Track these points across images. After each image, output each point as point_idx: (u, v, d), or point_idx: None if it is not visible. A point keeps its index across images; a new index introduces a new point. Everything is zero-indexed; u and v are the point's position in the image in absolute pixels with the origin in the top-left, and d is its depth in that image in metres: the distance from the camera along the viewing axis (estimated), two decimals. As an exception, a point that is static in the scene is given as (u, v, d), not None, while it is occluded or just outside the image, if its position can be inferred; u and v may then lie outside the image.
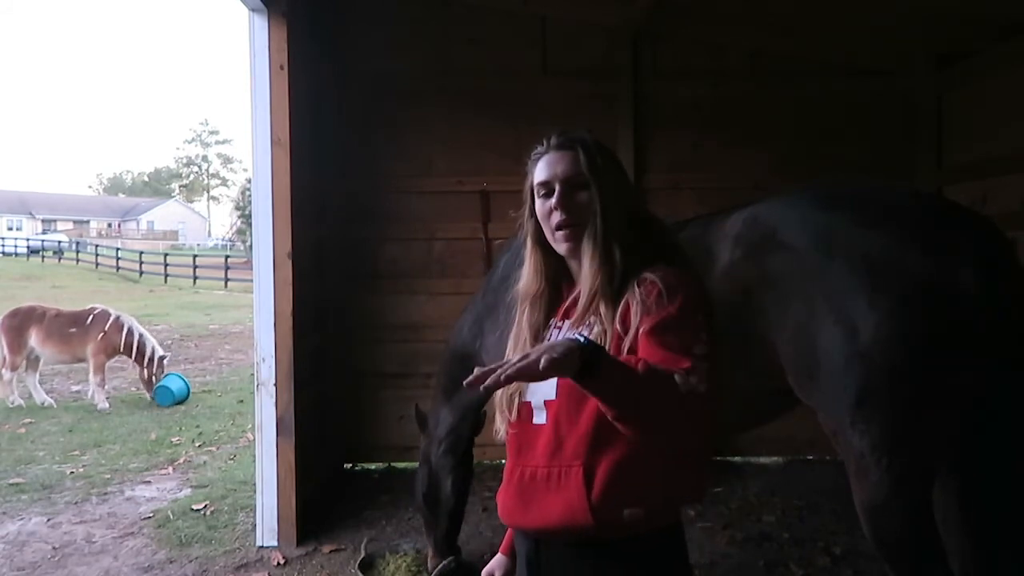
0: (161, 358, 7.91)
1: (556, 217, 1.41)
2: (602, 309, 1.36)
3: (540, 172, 1.45)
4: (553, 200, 1.42)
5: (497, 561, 1.67)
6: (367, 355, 4.96)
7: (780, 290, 2.21)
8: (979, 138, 4.40)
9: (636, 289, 1.34)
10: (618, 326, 1.34)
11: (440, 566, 3.36)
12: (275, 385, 3.74)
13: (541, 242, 1.49)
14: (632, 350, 1.31)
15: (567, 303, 1.48)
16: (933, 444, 2.07)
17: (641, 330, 1.31)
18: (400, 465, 5.11)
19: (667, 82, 4.92)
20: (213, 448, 6.00)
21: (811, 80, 4.93)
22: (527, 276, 1.52)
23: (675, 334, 1.28)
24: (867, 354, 2.02)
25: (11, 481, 5.02)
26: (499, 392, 1.49)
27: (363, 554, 3.55)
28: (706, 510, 4.18)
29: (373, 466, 5.13)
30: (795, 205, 2.30)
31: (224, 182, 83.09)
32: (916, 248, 2.03)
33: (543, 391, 1.42)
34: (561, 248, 1.44)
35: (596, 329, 1.36)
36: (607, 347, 1.32)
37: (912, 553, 2.06)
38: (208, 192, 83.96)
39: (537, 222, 1.48)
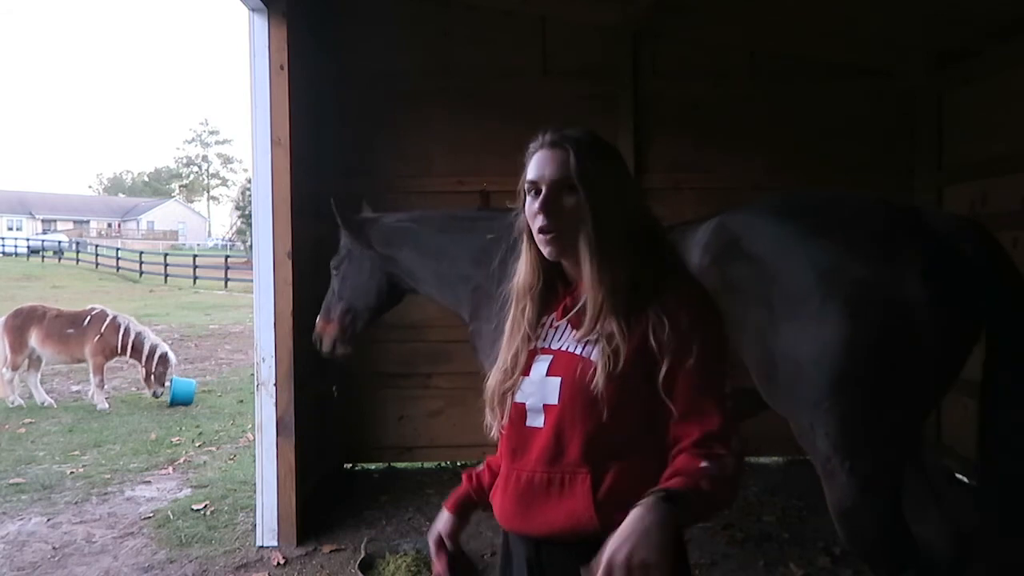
0: (164, 355, 7.87)
1: (539, 220, 1.38)
2: (612, 323, 1.33)
3: (531, 169, 1.40)
4: (538, 203, 1.38)
5: (446, 520, 1.58)
6: (367, 355, 4.94)
7: (742, 296, 2.28)
8: (979, 138, 4.40)
9: (659, 312, 1.31)
10: (652, 344, 1.31)
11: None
12: (275, 385, 3.74)
13: (533, 238, 1.45)
14: (658, 381, 1.31)
15: (563, 302, 1.46)
16: (895, 444, 2.13)
17: (679, 375, 1.30)
18: (400, 465, 5.11)
19: (667, 82, 4.91)
20: (213, 448, 6.00)
21: (811, 80, 4.93)
22: (523, 271, 1.48)
23: (712, 386, 1.32)
24: (820, 359, 2.09)
25: (11, 481, 5.02)
26: (490, 386, 1.47)
27: (363, 554, 3.54)
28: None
29: (373, 466, 5.13)
30: (757, 214, 2.39)
31: (224, 182, 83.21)
32: (863, 256, 2.12)
33: (543, 394, 1.39)
34: (543, 250, 1.41)
35: (603, 344, 1.33)
36: (621, 361, 1.30)
37: (886, 552, 2.11)
38: (208, 192, 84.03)
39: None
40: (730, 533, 3.89)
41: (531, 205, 1.40)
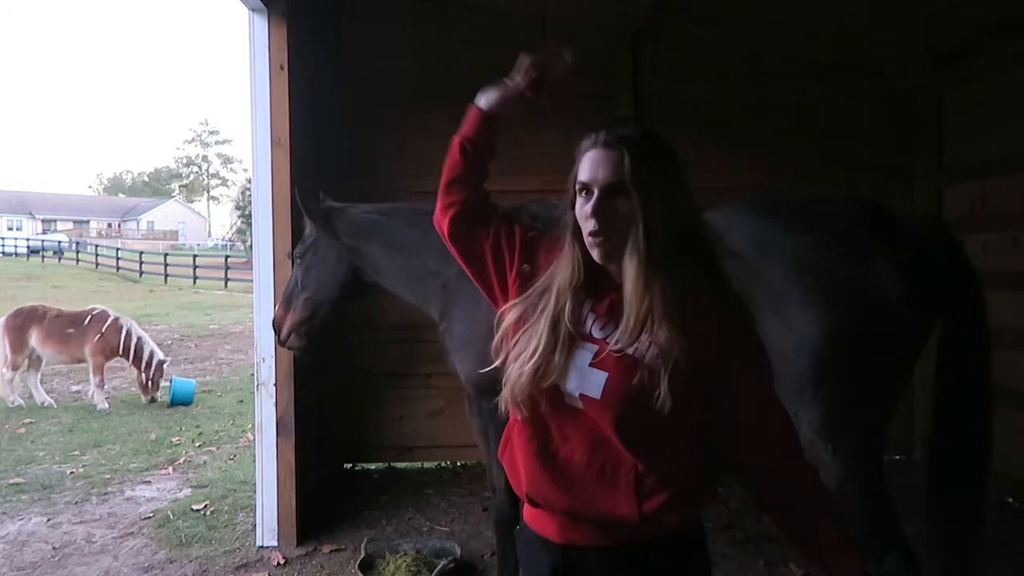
0: (161, 362, 7.85)
1: (590, 224, 1.34)
2: (666, 330, 1.29)
3: (583, 170, 1.36)
4: (589, 206, 1.34)
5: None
6: (367, 355, 4.95)
7: None
8: (979, 138, 4.40)
9: (718, 322, 1.33)
10: (715, 355, 1.32)
11: (440, 566, 3.36)
12: (275, 385, 3.74)
13: (579, 237, 1.39)
14: (723, 393, 1.33)
15: (610, 296, 1.40)
16: (874, 425, 2.28)
17: (753, 389, 1.35)
18: (400, 465, 5.11)
19: (667, 82, 4.92)
20: (213, 448, 6.00)
21: (811, 80, 4.93)
22: (566, 267, 1.43)
23: (776, 396, 1.39)
24: (800, 349, 2.25)
25: (11, 481, 5.02)
26: (520, 383, 1.37)
27: (363, 554, 3.54)
28: (706, 510, 4.17)
29: (373, 466, 5.13)
30: (739, 212, 2.49)
31: (224, 182, 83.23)
32: (841, 253, 2.27)
33: (582, 383, 1.34)
34: (592, 253, 1.37)
35: (656, 351, 1.30)
36: (681, 369, 1.28)
37: (872, 534, 2.21)
38: (208, 192, 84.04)
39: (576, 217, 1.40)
40: (730, 533, 3.89)
41: (582, 207, 1.36)
